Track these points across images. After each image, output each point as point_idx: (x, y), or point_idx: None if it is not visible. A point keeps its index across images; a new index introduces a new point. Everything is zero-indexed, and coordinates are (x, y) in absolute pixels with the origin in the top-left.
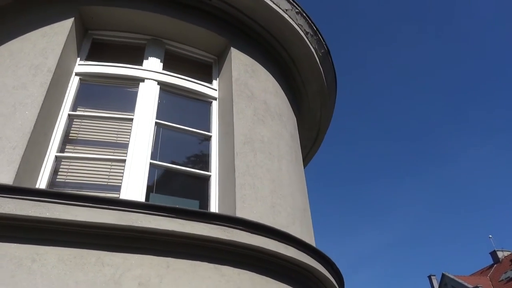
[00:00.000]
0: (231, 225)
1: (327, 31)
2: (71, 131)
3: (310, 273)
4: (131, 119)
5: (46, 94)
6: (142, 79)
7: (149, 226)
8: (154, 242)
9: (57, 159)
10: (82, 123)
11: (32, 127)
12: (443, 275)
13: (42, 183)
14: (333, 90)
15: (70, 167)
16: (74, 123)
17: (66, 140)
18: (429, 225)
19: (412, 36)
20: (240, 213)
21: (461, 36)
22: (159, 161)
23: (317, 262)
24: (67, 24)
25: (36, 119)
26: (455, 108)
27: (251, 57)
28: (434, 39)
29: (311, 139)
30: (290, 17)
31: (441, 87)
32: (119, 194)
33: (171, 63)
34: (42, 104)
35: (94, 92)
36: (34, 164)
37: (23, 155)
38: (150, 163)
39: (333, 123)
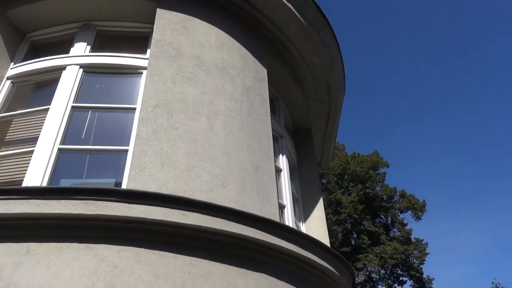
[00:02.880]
0: (98, 198)
1: None
2: (8, 132)
3: (233, 239)
4: (47, 110)
5: None
6: (64, 67)
7: None
8: (10, 228)
9: None
10: (18, 123)
11: None
12: None
13: None
14: (322, 26)
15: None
16: (12, 124)
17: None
18: None
19: None
20: (133, 184)
21: None
22: (78, 145)
23: (244, 226)
24: None
25: None
26: None
27: (185, 13)
28: None
29: (323, 88)
30: None
31: None
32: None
33: (106, 43)
34: None
35: (27, 91)
36: None
37: None
38: (59, 149)
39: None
